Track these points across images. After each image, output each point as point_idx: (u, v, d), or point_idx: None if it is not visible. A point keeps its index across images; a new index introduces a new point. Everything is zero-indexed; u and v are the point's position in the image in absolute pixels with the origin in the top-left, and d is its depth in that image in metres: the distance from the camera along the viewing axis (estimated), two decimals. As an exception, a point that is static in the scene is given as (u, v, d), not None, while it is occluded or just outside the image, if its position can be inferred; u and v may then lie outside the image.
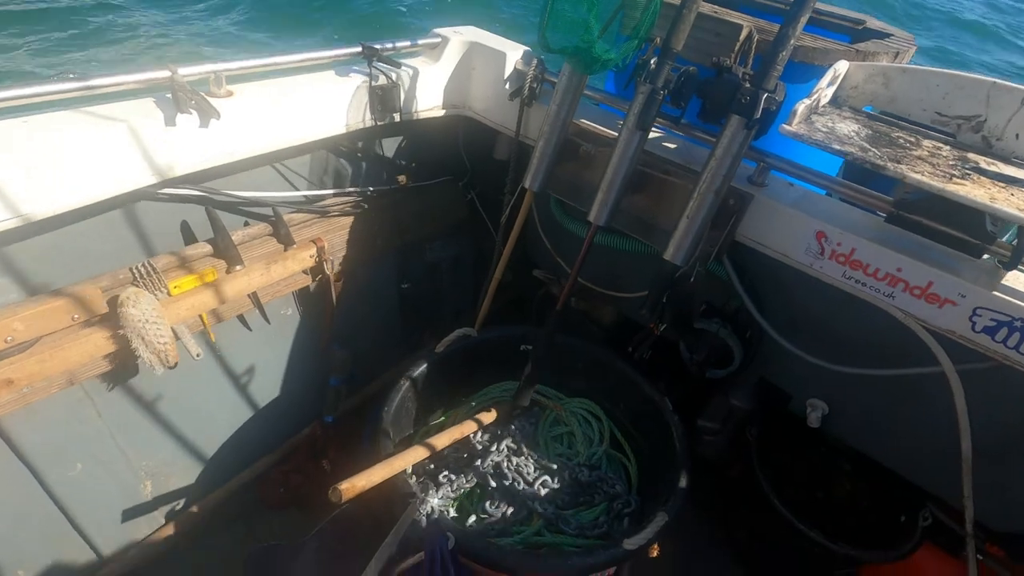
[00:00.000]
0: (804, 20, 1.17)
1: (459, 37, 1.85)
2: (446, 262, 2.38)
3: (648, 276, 1.76)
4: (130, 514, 1.70)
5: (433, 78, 1.83)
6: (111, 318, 1.35)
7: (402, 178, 1.98)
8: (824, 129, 1.20)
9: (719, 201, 1.35)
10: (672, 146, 1.59)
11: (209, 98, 1.34)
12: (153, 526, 1.78)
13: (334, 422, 2.06)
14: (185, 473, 1.83)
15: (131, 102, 1.26)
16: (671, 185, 1.51)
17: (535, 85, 1.73)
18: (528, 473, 1.65)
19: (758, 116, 1.21)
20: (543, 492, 1.61)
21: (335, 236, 1.84)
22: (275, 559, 1.58)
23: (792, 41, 1.17)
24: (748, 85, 1.23)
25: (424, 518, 1.25)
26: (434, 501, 1.25)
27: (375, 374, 2.28)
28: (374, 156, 1.91)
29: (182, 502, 1.85)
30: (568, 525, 1.57)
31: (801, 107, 1.19)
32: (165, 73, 1.28)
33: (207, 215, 1.51)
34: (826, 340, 1.55)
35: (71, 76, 1.15)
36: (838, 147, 1.12)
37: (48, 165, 1.13)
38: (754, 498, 1.91)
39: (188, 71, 1.31)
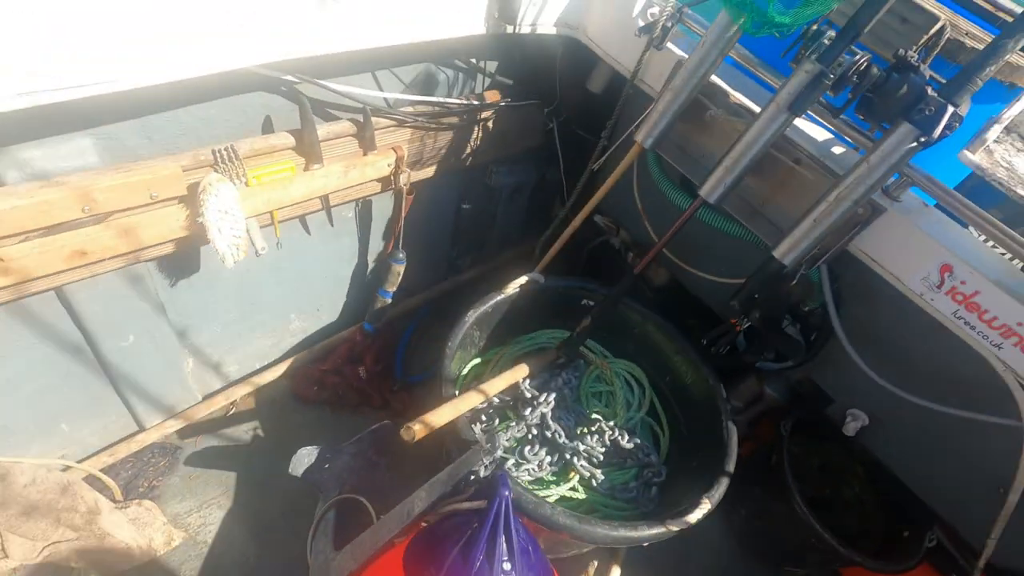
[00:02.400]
0: (1026, 35, 1.02)
1: (592, -53, 1.62)
2: (507, 189, 2.26)
3: (733, 261, 1.69)
4: (170, 388, 1.71)
5: (554, -10, 1.62)
6: (189, 201, 1.26)
7: (495, 94, 1.81)
8: (1005, 164, 1.09)
9: (854, 210, 1.26)
10: (810, 133, 1.45)
11: (327, -26, 1.16)
12: (189, 401, 1.79)
13: (373, 331, 2.04)
14: (225, 356, 1.82)
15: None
16: (799, 177, 1.40)
17: (669, 24, 1.54)
18: (569, 427, 1.67)
19: (937, 133, 1.09)
20: (582, 448, 1.64)
21: (414, 146, 1.71)
22: (316, 457, 1.62)
23: (1007, 56, 1.03)
24: (935, 94, 1.10)
25: (483, 467, 1.26)
26: (498, 453, 1.26)
27: (416, 290, 2.23)
28: (471, 67, 1.73)
29: (218, 384, 1.86)
30: (601, 484, 1.61)
31: (992, 134, 1.07)
32: (286, -65, 1.09)
33: (298, 105, 1.37)
34: (897, 362, 1.53)
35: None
36: (1022, 191, 1.02)
37: (144, 29, 0.98)
38: (766, 482, 1.99)
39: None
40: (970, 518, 1.61)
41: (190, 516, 1.65)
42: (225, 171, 1.29)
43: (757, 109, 1.42)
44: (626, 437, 1.69)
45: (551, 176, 2.30)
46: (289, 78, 1.29)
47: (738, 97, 1.49)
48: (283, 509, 1.72)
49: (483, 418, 1.64)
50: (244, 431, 1.87)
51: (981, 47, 1.35)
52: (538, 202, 2.43)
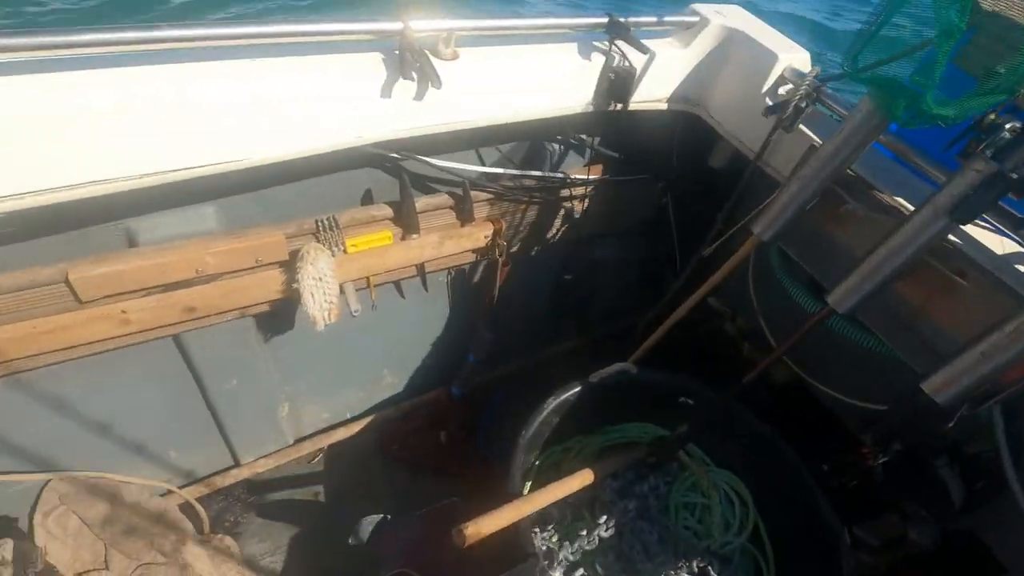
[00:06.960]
0: None
1: (720, 20, 1.51)
2: (612, 261, 2.15)
3: (870, 377, 1.41)
4: (265, 430, 1.80)
5: (674, 65, 1.53)
6: (289, 267, 1.33)
7: (601, 168, 1.75)
8: None
9: (1041, 347, 0.97)
10: (984, 240, 1.17)
11: (434, 59, 1.18)
12: (281, 444, 1.88)
13: (459, 396, 2.01)
14: (318, 405, 1.90)
15: (360, 55, 1.15)
16: (963, 293, 1.13)
17: (803, 105, 1.36)
18: (651, 544, 1.47)
19: None
20: (660, 572, 1.43)
21: (514, 218, 1.68)
22: (381, 527, 1.59)
23: None
24: None
25: (539, 584, 1.14)
26: (556, 575, 1.13)
27: (509, 357, 2.18)
28: (579, 142, 1.68)
29: (309, 430, 1.94)
30: (680, 620, 1.39)
31: None
32: (397, 26, 1.13)
33: (399, 180, 1.41)
34: None
35: (306, 20, 1.05)
36: None
37: (269, 112, 1.06)
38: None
39: (420, 26, 1.16)
40: None
41: (263, 559, 1.70)
42: (325, 239, 1.35)
43: (909, 208, 1.19)
44: (717, 567, 1.45)
45: (663, 252, 2.16)
46: (393, 155, 1.34)
47: (883, 193, 1.26)
48: (347, 569, 1.70)
49: (554, 515, 1.50)
50: (326, 479, 1.90)
51: None
52: (647, 278, 2.29)
